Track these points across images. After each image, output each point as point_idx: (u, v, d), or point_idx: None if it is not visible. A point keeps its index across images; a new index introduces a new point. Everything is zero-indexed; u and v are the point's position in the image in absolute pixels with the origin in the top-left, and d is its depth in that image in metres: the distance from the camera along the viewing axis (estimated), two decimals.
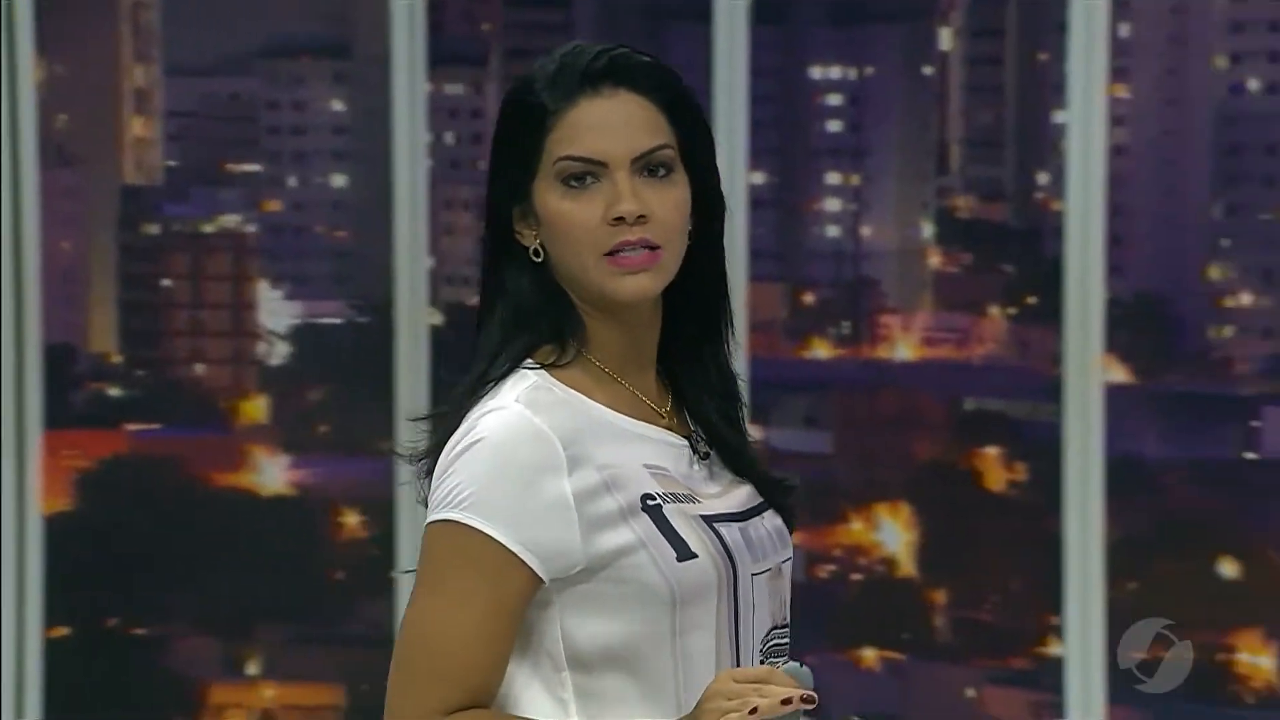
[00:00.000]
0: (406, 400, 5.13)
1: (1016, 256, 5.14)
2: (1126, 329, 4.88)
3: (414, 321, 5.11)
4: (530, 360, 2.37)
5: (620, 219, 2.34)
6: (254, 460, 5.39)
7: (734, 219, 5.03)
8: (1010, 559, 5.14)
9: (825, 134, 5.28)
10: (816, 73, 5.22)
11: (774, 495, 2.49)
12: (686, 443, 2.44)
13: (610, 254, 2.36)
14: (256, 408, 5.44)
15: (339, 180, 5.42)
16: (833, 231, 5.27)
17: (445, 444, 2.33)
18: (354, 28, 5.37)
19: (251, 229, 5.49)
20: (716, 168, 2.44)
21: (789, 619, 2.45)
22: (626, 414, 2.41)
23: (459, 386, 2.36)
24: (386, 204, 5.08)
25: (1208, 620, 4.76)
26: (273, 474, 5.40)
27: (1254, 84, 4.79)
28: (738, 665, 2.39)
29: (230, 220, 5.48)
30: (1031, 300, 5.13)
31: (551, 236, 2.37)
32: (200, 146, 5.53)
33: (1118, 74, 4.88)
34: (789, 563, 2.46)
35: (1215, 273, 4.86)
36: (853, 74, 5.24)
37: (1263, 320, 4.81)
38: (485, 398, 2.33)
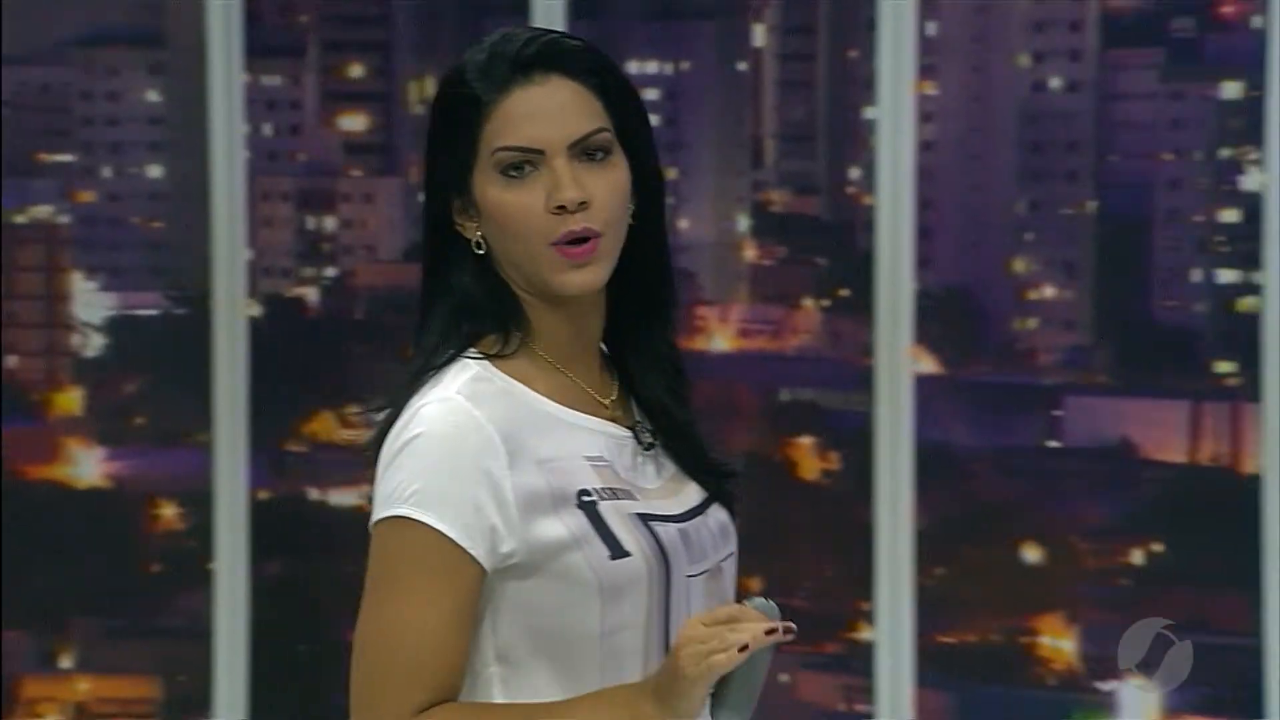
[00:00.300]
0: (224, 392, 5.11)
1: (829, 249, 5.15)
2: (935, 321, 4.93)
3: (231, 313, 5.09)
4: (473, 350, 2.36)
5: (562, 207, 2.32)
6: (69, 452, 5.35)
7: None
8: (823, 546, 5.18)
9: None
10: (633, 67, 5.22)
11: (717, 485, 2.47)
12: (630, 434, 2.41)
13: (556, 244, 2.34)
14: (71, 400, 5.39)
15: (155, 171, 5.38)
16: None
17: (388, 435, 2.33)
18: (169, 18, 5.34)
19: (65, 220, 5.43)
20: (654, 147, 2.41)
21: None
22: (569, 405, 2.40)
23: (402, 377, 2.37)
24: (203, 195, 5.05)
25: (1011, 605, 4.82)
26: (88, 466, 5.36)
27: (1055, 82, 4.85)
28: None
29: (43, 211, 5.41)
30: (844, 292, 5.12)
31: (493, 228, 2.35)
32: (12, 137, 5.46)
33: (925, 71, 4.89)
34: (730, 559, 2.44)
35: (1019, 266, 4.90)
36: (669, 69, 5.25)
37: (1064, 312, 4.86)
38: (426, 388, 2.33)
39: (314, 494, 5.39)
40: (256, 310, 5.21)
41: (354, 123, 5.39)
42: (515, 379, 2.36)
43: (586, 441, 2.38)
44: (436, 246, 2.40)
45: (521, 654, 2.36)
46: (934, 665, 4.95)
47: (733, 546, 2.44)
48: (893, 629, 4.95)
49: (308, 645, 5.43)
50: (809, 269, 5.17)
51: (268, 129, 5.38)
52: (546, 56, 2.33)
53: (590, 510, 2.33)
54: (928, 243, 4.91)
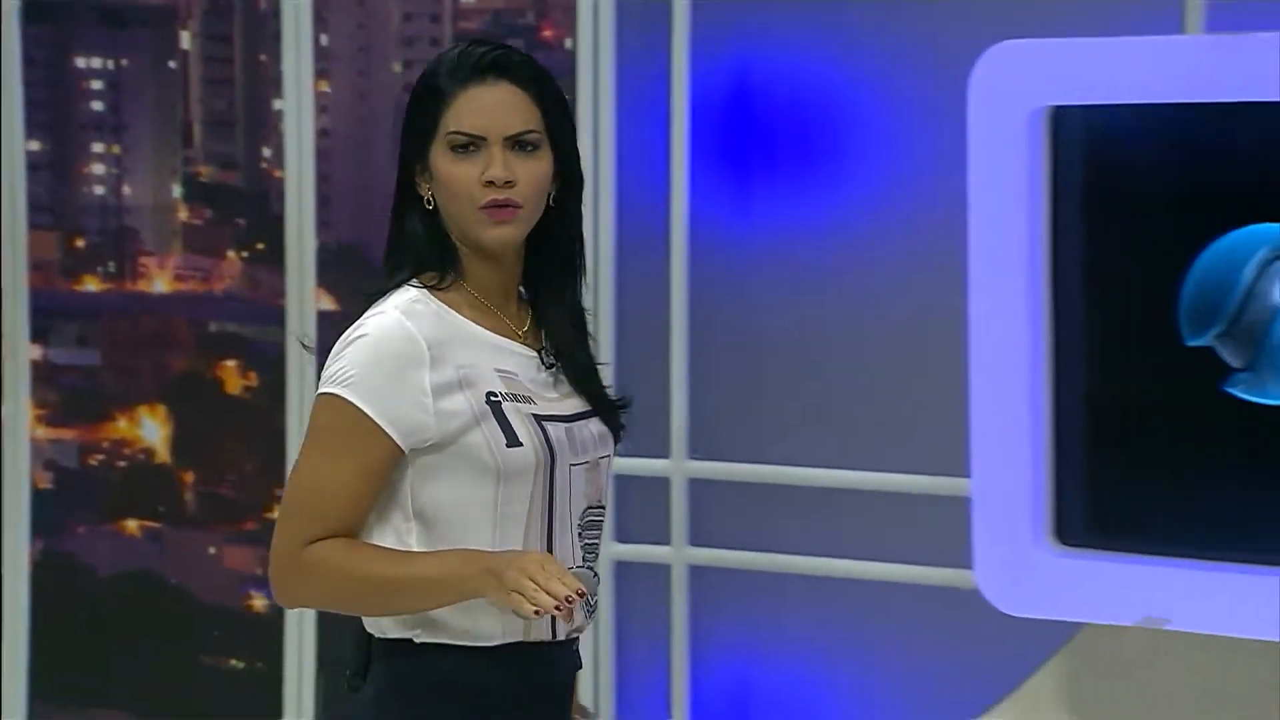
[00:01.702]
0: None
1: (248, 212, 5.24)
2: (333, 269, 5.10)
3: None
4: (416, 281, 2.72)
5: (491, 182, 2.67)
6: None
7: (14, 181, 5.35)
8: (245, 446, 5.28)
9: (91, 112, 5.38)
10: (81, 63, 5.38)
11: (604, 407, 2.79)
12: (536, 355, 2.76)
13: (483, 207, 2.69)
14: None
15: None
16: (99, 190, 5.40)
17: (340, 338, 2.70)
18: None
19: None
20: (576, 146, 2.78)
21: (604, 501, 2.78)
22: (488, 329, 2.73)
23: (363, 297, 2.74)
24: None
25: None
26: None
27: None
28: (549, 532, 2.70)
29: None
30: (260, 246, 5.23)
31: (440, 190, 2.71)
32: None
33: (321, 73, 5.08)
34: (607, 459, 2.79)
35: None
36: (112, 65, 5.36)
37: None
38: (376, 305, 2.70)
39: None
40: None
41: None
42: (448, 305, 2.70)
43: (499, 357, 2.72)
44: (400, 200, 2.76)
45: (433, 514, 2.67)
46: None
47: (609, 450, 2.79)
48: None
49: None
50: (232, 227, 5.27)
51: None
52: (499, 65, 2.69)
53: (495, 408, 2.66)
54: (326, 209, 5.12)
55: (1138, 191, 4.02)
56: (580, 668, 2.85)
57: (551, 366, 2.76)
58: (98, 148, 5.43)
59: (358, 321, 2.69)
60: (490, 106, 2.68)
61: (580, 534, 2.75)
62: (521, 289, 2.82)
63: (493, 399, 2.66)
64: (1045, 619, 4.12)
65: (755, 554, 4.64)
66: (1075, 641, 4.41)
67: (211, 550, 5.41)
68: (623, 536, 4.77)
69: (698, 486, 4.72)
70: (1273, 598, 3.86)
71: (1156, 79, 3.89)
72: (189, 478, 5.44)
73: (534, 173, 2.70)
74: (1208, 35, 4.03)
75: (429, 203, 2.72)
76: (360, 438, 2.61)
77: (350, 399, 2.62)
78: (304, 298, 5.19)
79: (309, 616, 5.23)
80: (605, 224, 4.68)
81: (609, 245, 4.70)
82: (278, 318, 5.23)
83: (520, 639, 2.69)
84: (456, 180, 2.69)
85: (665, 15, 4.63)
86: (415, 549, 2.66)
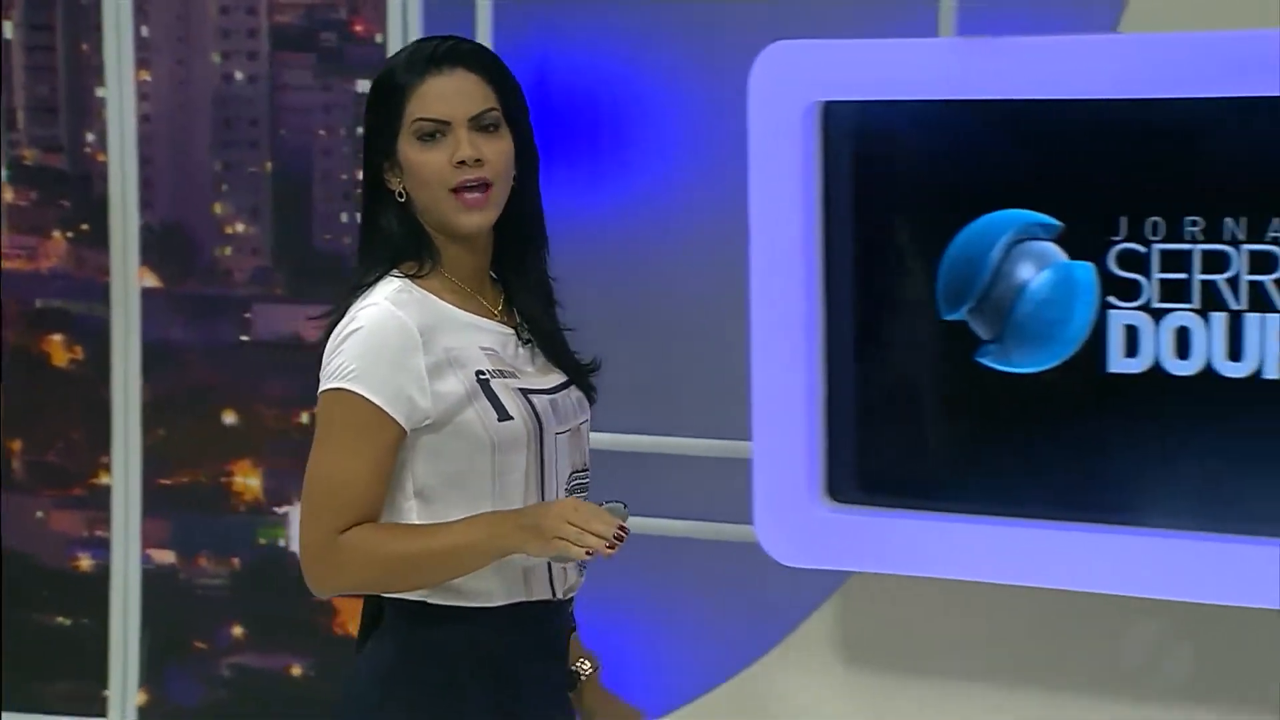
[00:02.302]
0: None
1: (73, 195, 5.22)
2: (156, 249, 5.14)
3: None
4: (396, 271, 2.72)
5: (462, 162, 2.68)
6: None
7: None
8: (72, 416, 5.29)
9: None
10: None
11: (577, 375, 2.82)
12: (513, 332, 2.78)
13: (455, 190, 2.69)
14: None
15: None
16: None
17: (332, 333, 2.69)
18: None
19: None
20: (531, 127, 2.78)
21: (588, 465, 2.82)
22: (468, 311, 2.74)
23: (343, 291, 2.74)
24: None
25: (215, 455, 5.16)
26: None
27: (239, 75, 5.03)
28: (542, 498, 2.69)
29: None
30: (85, 227, 5.23)
31: (411, 180, 2.72)
32: None
33: (142, 62, 5.10)
34: (586, 424, 2.83)
35: (219, 208, 5.10)
36: None
37: (252, 243, 5.04)
38: (362, 297, 2.69)
39: None
40: None
41: None
42: (429, 292, 2.72)
43: (482, 337, 2.73)
44: (370, 197, 2.76)
45: (433, 491, 2.70)
46: (157, 501, 5.23)
47: (587, 415, 2.83)
48: (126, 475, 5.26)
49: None
50: (57, 209, 5.26)
51: None
52: (453, 54, 2.71)
53: (485, 385, 2.68)
54: (149, 190, 5.13)
55: (901, 180, 4.22)
56: (575, 629, 2.89)
57: (529, 343, 2.79)
58: None
59: (347, 316, 2.69)
60: (450, 92, 2.69)
61: (568, 496, 2.79)
62: (491, 271, 2.84)
63: (481, 377, 2.68)
64: (818, 569, 4.27)
65: None
66: (844, 589, 4.57)
67: (39, 514, 5.40)
68: None
69: None
70: (1012, 546, 4.12)
71: (917, 77, 4.09)
72: (17, 446, 5.43)
73: (499, 150, 2.71)
74: (961, 38, 4.18)
75: (401, 195, 2.73)
76: (372, 428, 2.61)
77: (358, 391, 2.63)
78: (128, 275, 5.20)
79: (134, 577, 5.28)
80: None
81: None
82: (102, 294, 5.24)
83: (523, 599, 2.73)
84: (427, 166, 2.70)
85: (470, 12, 4.67)
86: (418, 524, 2.68)
